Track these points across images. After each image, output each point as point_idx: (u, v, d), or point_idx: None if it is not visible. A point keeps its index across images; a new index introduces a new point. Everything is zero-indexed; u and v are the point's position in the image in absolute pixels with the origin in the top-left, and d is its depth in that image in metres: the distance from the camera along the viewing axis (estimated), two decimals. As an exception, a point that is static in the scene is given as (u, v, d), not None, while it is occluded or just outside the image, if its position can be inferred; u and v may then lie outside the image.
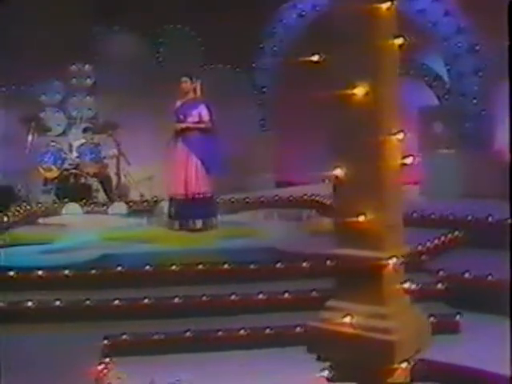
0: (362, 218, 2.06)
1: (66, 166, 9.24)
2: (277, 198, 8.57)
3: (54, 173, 9.12)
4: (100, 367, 4.25)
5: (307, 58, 2.87)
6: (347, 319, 2.01)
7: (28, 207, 7.92)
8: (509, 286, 4.62)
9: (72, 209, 8.33)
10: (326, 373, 2.14)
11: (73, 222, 7.80)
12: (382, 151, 2.20)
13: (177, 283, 5.29)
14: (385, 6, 2.48)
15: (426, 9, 9.10)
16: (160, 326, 4.91)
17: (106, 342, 4.63)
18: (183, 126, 7.05)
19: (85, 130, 9.78)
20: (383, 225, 2.11)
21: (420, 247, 5.89)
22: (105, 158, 9.35)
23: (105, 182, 9.35)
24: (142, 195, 9.35)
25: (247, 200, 8.49)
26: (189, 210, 7.01)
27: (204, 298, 5.08)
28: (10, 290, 5.21)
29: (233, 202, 8.38)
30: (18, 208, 7.69)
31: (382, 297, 2.08)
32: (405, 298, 2.19)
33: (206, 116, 7.04)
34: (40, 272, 5.30)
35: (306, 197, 8.53)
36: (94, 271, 5.32)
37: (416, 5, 9.07)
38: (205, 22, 10.24)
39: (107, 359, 4.39)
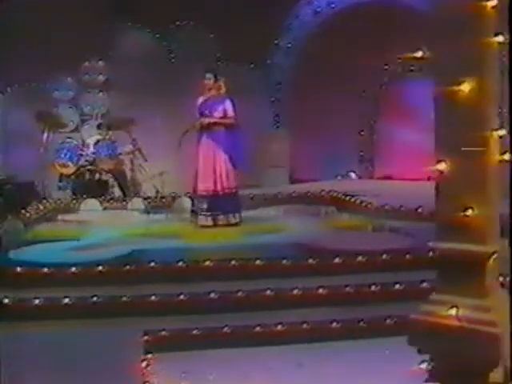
0: (469, 213, 2.08)
1: (81, 162, 9.24)
2: (294, 194, 8.60)
3: (70, 169, 9.11)
4: (144, 363, 4.29)
5: (411, 55, 2.87)
6: (453, 312, 2.03)
7: (48, 204, 7.92)
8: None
9: (91, 205, 8.33)
10: (424, 365, 2.16)
11: (94, 219, 7.81)
12: (487, 146, 2.22)
13: (210, 279, 5.28)
14: (490, 3, 2.49)
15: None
16: (196, 322, 4.93)
17: (146, 337, 4.67)
18: (210, 120, 7.06)
19: (99, 126, 9.77)
20: (485, 219, 2.13)
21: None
22: (120, 154, 9.34)
23: (120, 178, 9.35)
24: (157, 191, 9.35)
25: (265, 196, 8.52)
26: (216, 206, 7.04)
27: (240, 294, 5.10)
28: (44, 286, 5.21)
29: (251, 198, 8.39)
30: (39, 205, 7.69)
31: (484, 290, 2.10)
32: (502, 291, 2.22)
33: (230, 111, 7.07)
34: (73, 269, 5.29)
35: (323, 193, 8.56)
36: (127, 267, 5.33)
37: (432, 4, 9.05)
38: (218, 19, 10.24)
39: (149, 355, 4.44)
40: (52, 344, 4.63)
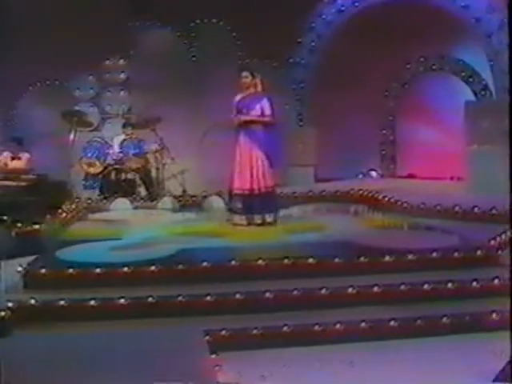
0: None
1: (108, 161, 9.19)
2: (324, 192, 8.58)
3: (98, 168, 9.04)
4: (213, 363, 4.27)
5: None
6: None
7: (79, 203, 7.88)
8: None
9: (121, 204, 8.29)
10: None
11: (127, 218, 7.78)
12: None
13: (264, 278, 5.27)
14: None
15: (470, 5, 9.15)
16: (254, 321, 4.91)
17: (207, 337, 4.65)
18: (247, 118, 7.01)
19: (125, 125, 9.72)
20: None
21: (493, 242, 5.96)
22: (147, 152, 9.30)
23: (145, 177, 9.30)
24: (184, 190, 9.32)
25: (296, 194, 8.50)
26: (251, 205, 6.99)
27: (295, 293, 5.09)
28: (97, 286, 5.18)
29: (282, 196, 8.37)
30: (71, 204, 7.64)
31: None
32: None
33: (268, 110, 7.02)
34: (125, 268, 5.26)
35: (352, 191, 8.55)
36: (180, 267, 5.31)
37: (460, 1, 9.11)
38: (240, 17, 10.23)
39: (213, 355, 4.41)
40: (112, 345, 4.58)
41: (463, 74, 10.18)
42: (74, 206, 7.62)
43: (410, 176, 10.54)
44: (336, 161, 10.46)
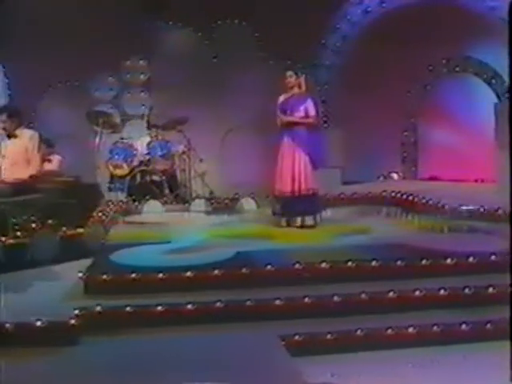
0: None
1: (135, 163, 9.06)
2: (356, 195, 8.53)
3: (125, 170, 8.92)
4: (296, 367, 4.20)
5: None
6: None
7: (113, 206, 7.75)
8: None
9: (153, 206, 8.17)
10: None
11: (163, 220, 7.68)
12: None
13: (329, 281, 5.22)
14: None
15: (498, 6, 9.15)
16: (323, 325, 4.85)
17: (283, 342, 4.57)
18: (291, 119, 6.96)
19: (149, 127, 9.59)
20: None
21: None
22: (174, 154, 9.18)
23: (171, 178, 9.19)
24: (211, 192, 9.22)
25: (328, 197, 8.43)
26: (292, 207, 6.94)
27: (363, 296, 5.04)
28: (161, 291, 5.08)
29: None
30: (106, 207, 7.51)
31: None
32: None
33: (312, 111, 6.98)
34: (188, 273, 5.17)
35: (385, 193, 8.50)
36: (244, 270, 5.22)
37: (489, 1, 9.11)
38: (263, 18, 10.14)
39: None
40: (184, 351, 4.50)
41: (486, 75, 10.19)
42: (108, 209, 7.50)
43: (433, 178, 10.49)
44: (357, 163, 10.42)
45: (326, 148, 7.34)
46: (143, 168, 9.01)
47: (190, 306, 4.83)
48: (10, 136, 6.60)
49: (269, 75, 10.84)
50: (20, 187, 6.25)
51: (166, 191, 8.95)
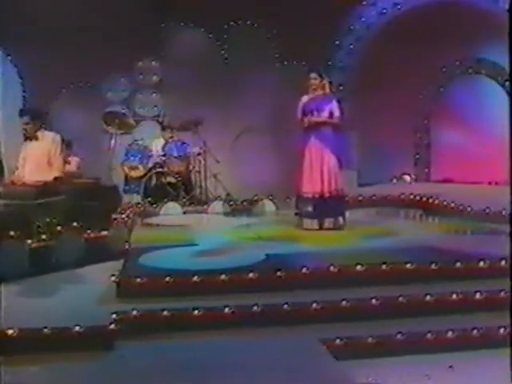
0: None
1: (150, 164, 8.97)
2: (375, 197, 8.49)
3: (140, 172, 8.83)
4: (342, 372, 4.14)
5: None
6: None
7: (132, 208, 7.67)
8: None
9: (172, 208, 8.09)
10: None
11: (185, 222, 7.60)
12: None
13: (366, 284, 5.15)
14: None
15: (512, 7, 9.13)
16: (363, 329, 4.79)
17: (324, 346, 4.51)
18: (319, 119, 6.90)
19: (163, 128, 9.51)
20: None
21: None
22: (189, 155, 9.10)
23: (186, 180, 9.10)
24: (227, 193, 9.15)
25: (346, 199, 8.37)
26: (322, 209, 6.89)
27: (401, 299, 4.98)
28: (196, 295, 5.00)
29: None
30: (126, 209, 7.42)
31: None
32: None
33: (337, 111, 6.94)
34: (223, 276, 5.09)
35: (403, 196, 8.46)
36: (278, 274, 5.15)
37: (503, 3, 9.09)
38: (276, 19, 10.09)
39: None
40: (224, 356, 4.42)
41: (499, 77, 10.18)
42: (128, 211, 7.42)
43: (446, 180, 10.46)
44: (369, 164, 10.38)
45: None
46: (159, 170, 8.94)
47: (227, 310, 4.76)
48: (31, 138, 6.49)
49: (282, 76, 10.88)
50: (44, 189, 6.14)
51: (182, 193, 8.88)
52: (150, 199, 8.50)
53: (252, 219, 7.79)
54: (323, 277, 5.20)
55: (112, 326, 4.46)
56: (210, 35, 10.66)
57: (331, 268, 5.23)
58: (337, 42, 10.17)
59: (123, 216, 6.90)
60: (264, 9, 10.20)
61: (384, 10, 9.90)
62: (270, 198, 8.38)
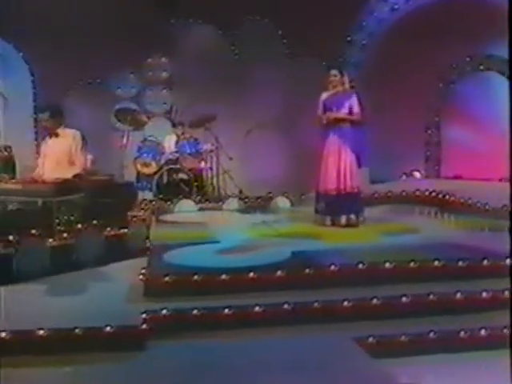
0: None
1: (163, 161, 8.90)
2: (390, 194, 8.44)
3: (153, 168, 8.76)
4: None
5: None
6: None
7: (147, 205, 7.61)
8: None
9: (186, 205, 8.02)
10: None
11: (201, 219, 7.54)
12: None
13: (392, 281, 5.11)
14: None
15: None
16: (394, 327, 4.75)
17: (357, 344, 4.46)
18: (338, 116, 6.84)
19: (174, 124, 9.44)
20: None
21: None
22: (202, 152, 9.03)
23: (198, 177, 9.03)
24: (240, 191, 9.09)
25: (362, 196, 8.31)
26: (337, 205, 6.83)
27: (431, 297, 4.94)
28: (225, 293, 4.95)
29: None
30: (141, 206, 7.37)
31: None
32: None
33: (356, 108, 6.89)
34: (251, 274, 5.03)
35: (418, 192, 8.42)
36: (307, 271, 5.11)
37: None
38: (287, 14, 10.01)
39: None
40: (260, 353, 4.37)
41: (510, 73, 10.13)
42: (145, 208, 7.36)
43: (457, 177, 10.42)
44: (380, 161, 10.33)
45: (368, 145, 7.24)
46: (172, 166, 8.86)
47: (257, 309, 4.70)
48: (51, 135, 6.42)
49: (292, 72, 10.82)
50: (64, 187, 6.05)
51: (194, 190, 8.81)
52: (161, 196, 8.46)
53: (268, 216, 7.70)
54: (352, 274, 5.15)
55: (144, 326, 4.41)
56: (220, 31, 10.59)
57: (360, 265, 5.18)
58: (348, 38, 10.13)
59: (140, 213, 6.83)
60: (274, 4, 10.16)
61: (396, 6, 9.85)
62: (285, 194, 8.34)
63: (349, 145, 6.88)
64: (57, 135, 6.40)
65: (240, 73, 10.32)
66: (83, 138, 6.43)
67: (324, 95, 6.98)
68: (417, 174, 10.82)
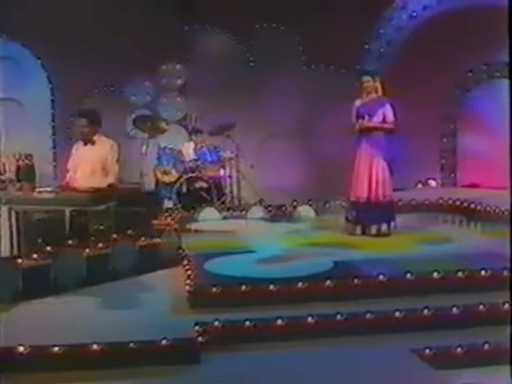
0: None
1: (183, 169, 8.79)
2: (413, 202, 8.39)
3: (173, 176, 8.65)
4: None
5: None
6: None
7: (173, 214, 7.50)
8: None
9: (210, 214, 7.92)
10: None
11: (229, 228, 7.45)
12: None
13: (440, 291, 5.06)
14: None
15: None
16: (447, 338, 4.68)
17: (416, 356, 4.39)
18: (370, 124, 6.79)
19: (192, 132, 9.34)
20: None
21: None
22: (223, 160, 8.94)
23: (218, 185, 8.93)
24: (261, 199, 8.98)
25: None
26: (366, 214, 6.78)
27: (481, 308, 4.87)
28: (273, 303, 4.89)
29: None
30: (168, 215, 7.26)
31: None
32: None
33: (390, 116, 6.84)
34: (300, 284, 4.98)
35: (442, 200, 8.38)
36: (356, 281, 5.05)
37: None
38: (303, 21, 9.97)
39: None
40: (317, 364, 4.30)
41: (525, 81, 10.16)
42: (170, 218, 7.25)
43: (473, 185, 10.39)
44: (395, 169, 10.31)
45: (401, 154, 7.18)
46: (192, 174, 8.77)
47: (310, 319, 4.65)
48: (86, 142, 6.27)
49: (308, 79, 10.78)
50: (98, 196, 5.91)
51: (215, 198, 8.71)
52: (182, 205, 8.36)
53: (294, 225, 7.65)
54: (400, 284, 5.11)
55: (200, 339, 4.31)
56: (235, 38, 10.54)
57: (408, 275, 5.14)
58: (366, 46, 10.09)
59: (166, 222, 6.72)
60: (291, 11, 10.12)
61: (414, 13, 9.84)
62: (309, 203, 8.26)
63: (381, 153, 6.83)
64: (93, 143, 6.25)
65: (255, 80, 10.26)
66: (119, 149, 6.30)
67: (357, 102, 6.91)
68: (432, 183, 10.78)
